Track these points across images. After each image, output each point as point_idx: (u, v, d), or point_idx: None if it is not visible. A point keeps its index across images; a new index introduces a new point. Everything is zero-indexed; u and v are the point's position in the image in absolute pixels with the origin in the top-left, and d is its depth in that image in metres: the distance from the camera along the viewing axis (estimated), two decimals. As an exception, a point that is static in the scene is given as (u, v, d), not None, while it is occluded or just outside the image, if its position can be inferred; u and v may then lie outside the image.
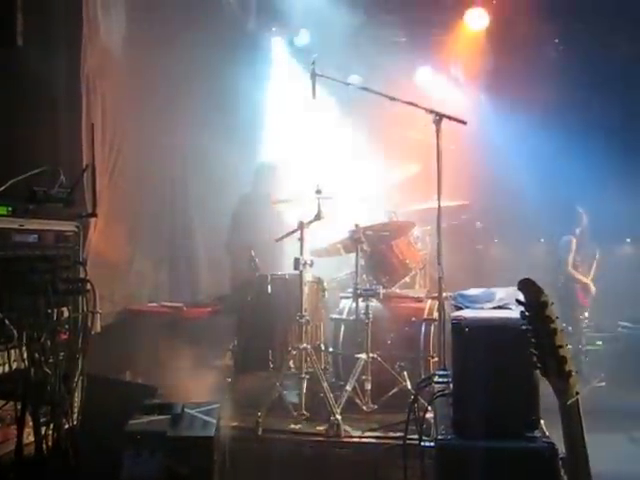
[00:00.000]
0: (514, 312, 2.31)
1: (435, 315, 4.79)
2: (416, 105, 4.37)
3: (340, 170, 6.44)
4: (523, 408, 2.74)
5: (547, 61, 7.66)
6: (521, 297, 2.00)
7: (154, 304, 5.62)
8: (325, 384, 4.45)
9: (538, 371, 2.00)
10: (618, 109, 7.48)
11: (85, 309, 3.12)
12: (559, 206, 7.32)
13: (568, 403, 1.94)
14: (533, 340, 1.97)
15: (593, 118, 7.37)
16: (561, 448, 2.20)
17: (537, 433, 2.75)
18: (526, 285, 1.98)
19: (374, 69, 6.98)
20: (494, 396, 2.73)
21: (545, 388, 2.15)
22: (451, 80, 7.58)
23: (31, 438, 2.82)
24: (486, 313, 2.97)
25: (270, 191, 5.82)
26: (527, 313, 1.97)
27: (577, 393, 1.96)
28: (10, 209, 2.85)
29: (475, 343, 2.78)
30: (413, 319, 4.99)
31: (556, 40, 7.84)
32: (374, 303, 4.89)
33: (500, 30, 7.33)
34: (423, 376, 4.42)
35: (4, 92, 3.92)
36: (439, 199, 4.13)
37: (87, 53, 4.75)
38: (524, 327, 1.98)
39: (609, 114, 7.39)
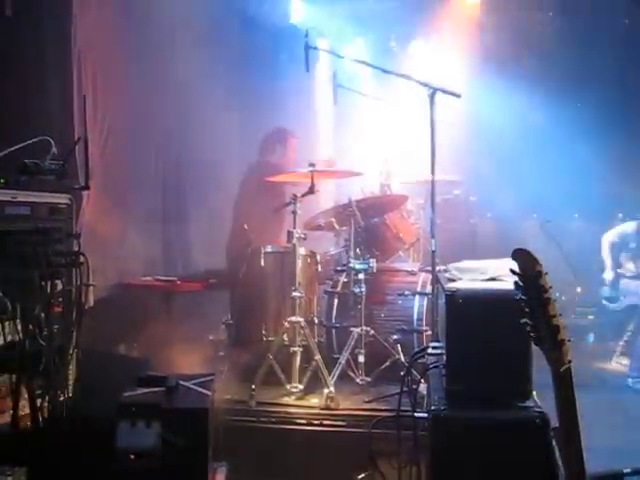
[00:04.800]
0: (508, 283, 2.32)
1: (428, 288, 4.80)
2: (410, 78, 4.35)
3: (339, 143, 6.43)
4: (516, 378, 2.76)
5: (542, 33, 7.63)
6: (515, 267, 2.01)
7: (148, 278, 5.62)
8: (319, 357, 4.47)
9: (531, 340, 2.01)
10: (614, 77, 7.46)
11: (79, 282, 3.12)
12: (553, 181, 7.34)
13: (561, 370, 1.95)
14: (527, 310, 1.98)
15: (588, 89, 7.36)
16: (554, 420, 2.22)
17: (529, 403, 2.77)
18: (520, 255, 1.98)
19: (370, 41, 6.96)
20: (487, 367, 2.75)
21: (540, 362, 2.16)
22: (445, 52, 7.52)
23: (27, 410, 2.83)
24: (480, 284, 2.98)
25: (280, 162, 5.73)
26: (521, 283, 1.98)
27: (569, 361, 1.97)
28: (2, 181, 2.84)
29: (468, 314, 2.79)
30: (406, 292, 5.01)
31: (550, 13, 7.81)
32: (368, 276, 4.89)
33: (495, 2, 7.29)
34: (416, 348, 4.44)
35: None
36: (433, 173, 4.13)
37: (78, 25, 4.70)
38: (518, 297, 1.99)
39: (605, 84, 7.37)
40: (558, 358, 1.96)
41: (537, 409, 2.73)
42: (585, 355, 6.45)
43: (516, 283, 1.99)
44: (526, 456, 2.64)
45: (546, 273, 1.96)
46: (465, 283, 3.00)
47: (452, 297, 2.82)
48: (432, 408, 2.82)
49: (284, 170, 5.37)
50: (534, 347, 2.05)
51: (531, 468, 2.63)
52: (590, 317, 7.47)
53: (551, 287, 1.96)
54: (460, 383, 2.82)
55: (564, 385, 1.97)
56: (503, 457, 2.68)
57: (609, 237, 6.67)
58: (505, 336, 2.67)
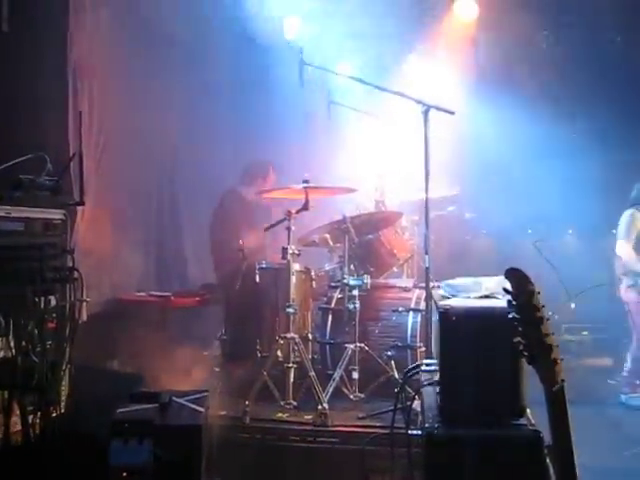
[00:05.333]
0: (501, 301, 2.33)
1: (422, 305, 4.80)
2: (404, 95, 4.38)
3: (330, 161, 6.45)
4: (509, 396, 2.76)
5: (536, 50, 7.68)
6: (508, 286, 2.02)
7: (142, 293, 5.61)
8: (312, 373, 4.46)
9: (524, 359, 2.01)
10: (609, 94, 7.50)
11: (73, 298, 3.12)
12: (548, 198, 7.36)
13: (553, 390, 1.96)
14: (520, 329, 1.98)
15: (583, 106, 7.40)
16: (547, 437, 2.22)
17: (523, 421, 2.77)
18: (513, 274, 1.99)
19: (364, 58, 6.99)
20: (480, 384, 2.75)
21: (532, 379, 2.17)
22: (440, 70, 7.56)
23: (19, 426, 2.82)
24: (473, 302, 2.99)
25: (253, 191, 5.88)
26: (514, 302, 1.98)
27: (562, 380, 1.98)
28: (-3, 196, 2.85)
29: (462, 332, 2.80)
30: (400, 308, 5.00)
31: (545, 32, 7.86)
32: (362, 292, 4.89)
33: (490, 20, 7.33)
34: (410, 365, 4.43)
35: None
36: (427, 190, 4.15)
37: (74, 40, 4.72)
38: (511, 316, 2.00)
39: (600, 100, 7.41)
40: (551, 377, 1.96)
41: (530, 427, 2.73)
42: (578, 371, 6.45)
43: (509, 302, 2.00)
44: (520, 474, 2.64)
45: (539, 292, 1.97)
46: (458, 300, 3.01)
47: (445, 314, 2.82)
48: (426, 426, 2.82)
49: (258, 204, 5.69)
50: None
51: (525, 486, 2.63)
52: (584, 333, 7.47)
53: (544, 306, 1.97)
54: (453, 400, 2.82)
55: (557, 404, 1.98)
56: (497, 474, 2.68)
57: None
58: (498, 354, 2.67)
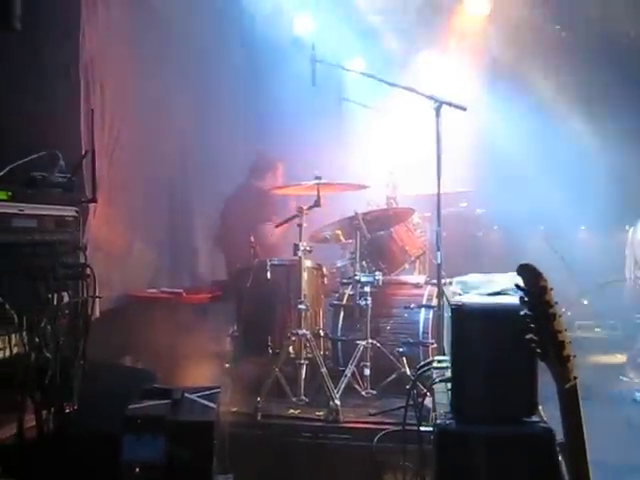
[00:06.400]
0: (513, 298, 2.31)
1: (434, 301, 4.80)
2: (416, 91, 4.37)
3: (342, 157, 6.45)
4: (521, 393, 2.75)
5: (549, 46, 7.63)
6: (520, 282, 2.01)
7: (154, 290, 5.63)
8: (324, 370, 4.46)
9: (537, 356, 2.00)
10: (623, 90, 7.44)
11: (85, 294, 3.13)
12: (560, 193, 7.32)
13: (566, 387, 1.95)
14: (532, 325, 1.97)
15: (596, 102, 7.35)
16: (560, 434, 2.21)
17: (535, 418, 2.76)
18: (525, 270, 1.98)
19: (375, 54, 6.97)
20: (492, 381, 2.73)
21: (545, 376, 2.16)
22: (452, 66, 7.53)
23: (32, 422, 2.83)
24: (485, 299, 2.97)
25: (265, 185, 5.89)
26: (526, 298, 1.97)
27: (575, 377, 1.97)
28: (10, 194, 2.86)
29: (474, 328, 2.78)
30: (412, 305, 5.00)
31: (557, 27, 7.82)
32: (374, 289, 4.89)
33: (502, 15, 7.29)
34: (422, 361, 4.43)
35: (2, 77, 3.91)
36: (439, 186, 4.14)
37: (86, 38, 4.73)
38: (523, 312, 1.99)
39: (614, 96, 7.35)
40: (564, 374, 1.95)
41: (543, 424, 2.71)
42: (591, 368, 6.41)
43: (521, 298, 1.99)
44: (532, 471, 2.63)
45: (551, 288, 1.96)
46: (471, 297, 3.00)
47: (457, 311, 2.81)
48: (437, 422, 2.81)
49: (272, 195, 5.61)
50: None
51: (537, 483, 2.61)
52: (597, 330, 7.43)
53: (557, 303, 1.96)
54: (465, 397, 2.81)
55: (570, 401, 1.97)
56: (509, 471, 2.67)
57: None
58: (511, 350, 2.66)
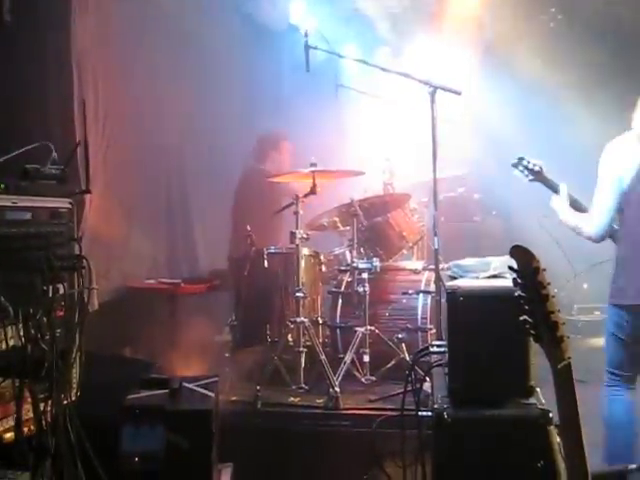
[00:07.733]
0: (508, 281, 2.31)
1: (432, 287, 4.79)
2: (410, 76, 4.34)
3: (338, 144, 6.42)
4: (518, 376, 2.76)
5: (543, 29, 7.60)
6: (514, 264, 2.00)
7: (151, 280, 5.63)
8: (323, 357, 4.47)
9: (531, 338, 2.00)
10: (620, 73, 7.40)
11: (81, 286, 3.12)
12: (558, 176, 7.28)
13: (560, 367, 1.95)
14: (526, 307, 1.97)
15: (591, 83, 7.31)
16: (557, 416, 2.21)
17: (532, 400, 2.77)
18: (518, 252, 1.98)
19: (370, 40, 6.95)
20: (489, 364, 2.74)
21: (542, 359, 2.15)
22: (446, 50, 7.49)
23: (30, 414, 2.83)
24: (480, 282, 2.98)
25: (272, 167, 5.80)
26: (519, 280, 1.97)
27: (569, 358, 1.96)
28: (2, 186, 2.85)
29: (469, 312, 2.79)
30: (410, 291, 4.99)
31: (552, 9, 7.79)
32: (371, 276, 4.89)
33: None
34: (421, 347, 4.43)
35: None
36: (434, 171, 4.12)
37: (78, 29, 4.70)
38: (517, 294, 1.98)
39: (610, 78, 7.31)
40: (557, 355, 1.95)
41: (540, 406, 2.72)
42: (588, 351, 6.41)
43: (514, 280, 1.99)
44: (529, 453, 2.64)
45: (544, 269, 1.96)
46: (466, 281, 3.00)
47: (453, 295, 2.82)
48: (435, 407, 2.82)
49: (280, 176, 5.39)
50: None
51: (535, 465, 2.62)
52: (596, 313, 7.42)
53: (549, 283, 1.96)
54: (463, 381, 2.82)
55: (564, 381, 1.97)
56: (507, 454, 2.68)
57: None
58: (507, 333, 2.66)
